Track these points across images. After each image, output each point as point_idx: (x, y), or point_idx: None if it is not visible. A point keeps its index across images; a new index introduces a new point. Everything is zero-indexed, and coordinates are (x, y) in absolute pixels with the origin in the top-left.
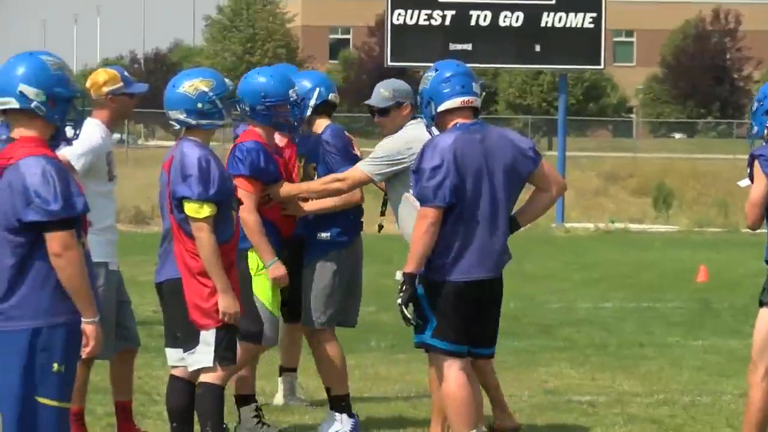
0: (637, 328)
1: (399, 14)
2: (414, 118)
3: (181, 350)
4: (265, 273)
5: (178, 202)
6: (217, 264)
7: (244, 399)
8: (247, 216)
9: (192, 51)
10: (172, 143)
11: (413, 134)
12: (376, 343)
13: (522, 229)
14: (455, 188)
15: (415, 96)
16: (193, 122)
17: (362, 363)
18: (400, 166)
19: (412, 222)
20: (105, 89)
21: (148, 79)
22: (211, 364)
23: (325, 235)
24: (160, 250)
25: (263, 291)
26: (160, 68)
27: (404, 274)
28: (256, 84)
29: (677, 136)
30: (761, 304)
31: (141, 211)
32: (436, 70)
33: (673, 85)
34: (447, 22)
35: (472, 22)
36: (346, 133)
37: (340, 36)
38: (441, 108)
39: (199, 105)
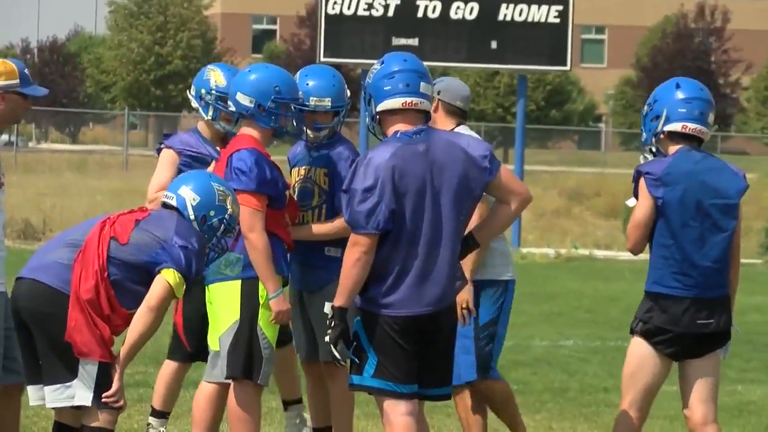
0: (601, 370)
1: (334, 3)
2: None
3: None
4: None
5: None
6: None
7: None
8: (257, 238)
9: (93, 40)
10: (67, 146)
11: None
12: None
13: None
14: (392, 213)
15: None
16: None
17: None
18: None
19: None
20: None
21: (41, 71)
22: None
23: (335, 250)
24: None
25: (269, 325)
26: (56, 59)
27: (333, 308)
28: (268, 76)
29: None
30: (631, 332)
31: (31, 225)
32: (382, 63)
33: (648, 90)
34: (390, 14)
35: (419, 14)
36: None
37: (264, 26)
38: (379, 108)
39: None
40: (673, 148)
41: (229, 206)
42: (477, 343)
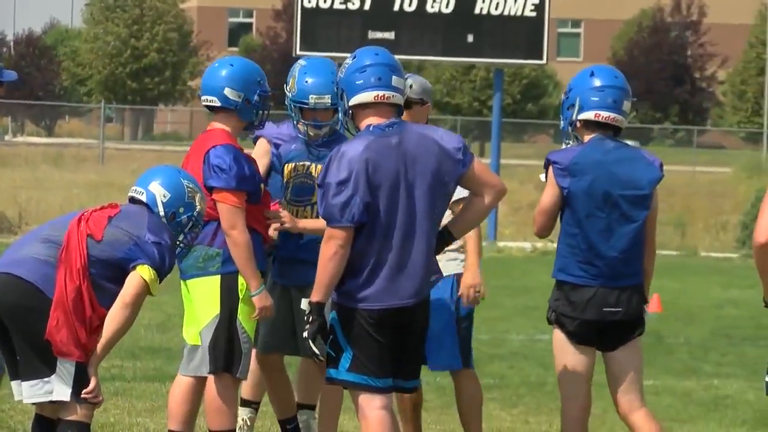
0: None
1: None
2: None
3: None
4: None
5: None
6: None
7: None
8: (239, 235)
9: (69, 33)
10: (43, 139)
11: None
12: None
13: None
14: (366, 205)
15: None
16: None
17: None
18: None
19: None
20: None
21: (18, 64)
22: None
23: None
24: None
25: (248, 319)
26: (32, 52)
27: (311, 303)
28: (251, 71)
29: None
30: (549, 322)
31: (6, 218)
32: (354, 58)
33: None
34: (366, 7)
35: (396, 8)
36: None
37: (241, 19)
38: (352, 102)
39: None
40: (588, 137)
41: (197, 203)
42: (459, 333)
